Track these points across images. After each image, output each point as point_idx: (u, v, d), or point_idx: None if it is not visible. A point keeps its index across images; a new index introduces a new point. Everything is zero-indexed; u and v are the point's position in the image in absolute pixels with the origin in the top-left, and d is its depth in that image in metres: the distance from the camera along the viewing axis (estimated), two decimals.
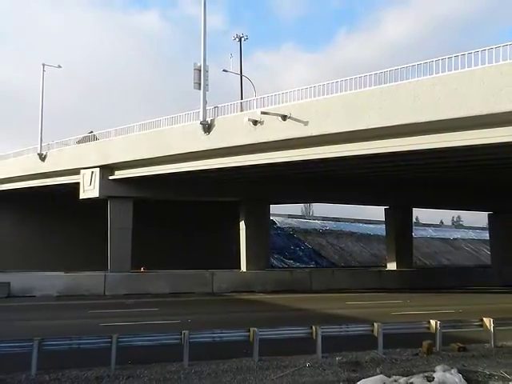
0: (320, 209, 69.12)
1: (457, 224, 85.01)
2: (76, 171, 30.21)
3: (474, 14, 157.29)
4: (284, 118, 19.30)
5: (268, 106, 20.36)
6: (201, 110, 22.82)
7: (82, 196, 30.27)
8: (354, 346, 13.20)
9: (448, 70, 15.31)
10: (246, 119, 20.53)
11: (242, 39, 43.14)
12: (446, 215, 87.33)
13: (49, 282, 28.34)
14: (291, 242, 53.58)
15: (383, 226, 42.83)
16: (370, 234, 59.80)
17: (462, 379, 10.40)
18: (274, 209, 47.54)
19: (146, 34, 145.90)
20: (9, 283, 26.95)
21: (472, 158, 21.58)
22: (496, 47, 14.39)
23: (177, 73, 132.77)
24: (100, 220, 30.66)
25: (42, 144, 32.68)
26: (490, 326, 14.16)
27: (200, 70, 23.34)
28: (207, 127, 22.56)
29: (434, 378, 10.51)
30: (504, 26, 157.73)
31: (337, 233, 59.05)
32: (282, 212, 57.56)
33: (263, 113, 19.96)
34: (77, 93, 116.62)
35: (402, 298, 27.50)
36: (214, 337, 12.62)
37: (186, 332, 11.95)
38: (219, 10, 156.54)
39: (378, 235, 56.44)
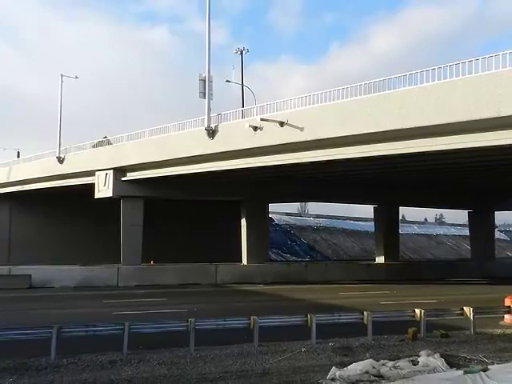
0: (314, 207, 69.14)
1: (439, 221, 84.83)
2: (91, 173, 30.21)
3: (455, 29, 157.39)
4: (282, 124, 19.29)
5: (267, 113, 20.35)
6: (205, 117, 22.81)
7: (97, 195, 30.28)
8: (346, 333, 13.18)
9: (432, 80, 15.33)
10: (246, 125, 20.53)
11: (243, 52, 43.18)
12: (430, 213, 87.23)
13: (66, 274, 28.38)
14: (288, 238, 53.57)
15: (372, 223, 42.83)
16: (360, 231, 59.76)
17: (445, 363, 10.39)
18: (273, 207, 47.60)
19: (156, 48, 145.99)
20: (30, 275, 26.96)
21: (455, 161, 21.60)
22: (475, 59, 14.43)
23: (183, 83, 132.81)
24: (114, 218, 30.67)
25: (61, 148, 32.74)
26: (470, 314, 14.17)
27: (205, 81, 23.33)
28: (211, 133, 22.56)
29: (418, 361, 10.50)
30: (480, 41, 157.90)
31: (330, 229, 59.03)
32: (279, 210, 57.73)
33: (263, 119, 19.97)
34: (91, 100, 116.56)
35: (389, 288, 27.51)
36: (217, 324, 12.61)
37: (192, 320, 11.95)
38: (222, 25, 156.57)
39: (368, 231, 56.38)
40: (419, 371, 9.90)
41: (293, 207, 68.35)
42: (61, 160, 32.34)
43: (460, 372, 9.52)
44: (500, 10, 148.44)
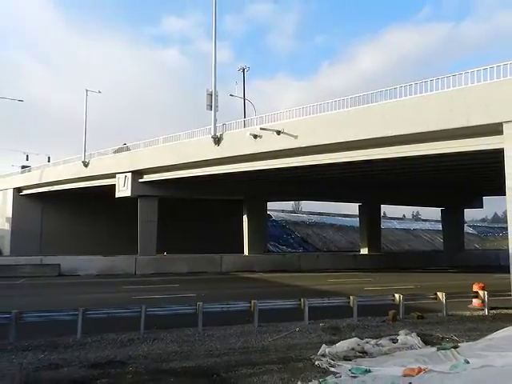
0: (307, 205, 69.17)
1: (416, 217, 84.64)
2: (112, 175, 30.24)
3: (430, 50, 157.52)
4: (278, 132, 19.30)
5: (266, 123, 20.36)
6: (212, 127, 22.82)
7: (117, 195, 30.30)
8: (334, 315, 13.18)
9: (409, 94, 15.33)
10: (248, 134, 20.53)
11: (245, 70, 43.02)
12: (408, 210, 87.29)
13: (90, 263, 28.33)
14: (284, 232, 53.53)
15: (357, 219, 42.79)
16: (347, 226, 59.70)
17: (421, 341, 10.40)
18: (270, 205, 47.58)
19: (167, 66, 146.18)
20: (59, 265, 26.95)
21: (431, 165, 21.57)
22: (447, 76, 14.45)
23: (191, 96, 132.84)
24: (132, 214, 30.69)
25: (86, 154, 32.78)
26: (443, 298, 14.19)
27: (211, 95, 23.33)
28: (217, 140, 22.57)
29: (398, 340, 10.50)
30: (452, 60, 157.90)
31: (320, 224, 58.98)
32: (276, 207, 57.70)
33: (262, 129, 19.97)
34: (109, 111, 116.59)
35: (372, 276, 27.48)
36: (222, 307, 12.60)
37: (201, 303, 11.95)
38: (227, 46, 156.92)
39: (353, 226, 56.31)
40: (398, 348, 9.91)
41: (288, 205, 68.47)
42: (86, 164, 32.37)
43: (434, 349, 9.53)
44: (470, 32, 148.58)
